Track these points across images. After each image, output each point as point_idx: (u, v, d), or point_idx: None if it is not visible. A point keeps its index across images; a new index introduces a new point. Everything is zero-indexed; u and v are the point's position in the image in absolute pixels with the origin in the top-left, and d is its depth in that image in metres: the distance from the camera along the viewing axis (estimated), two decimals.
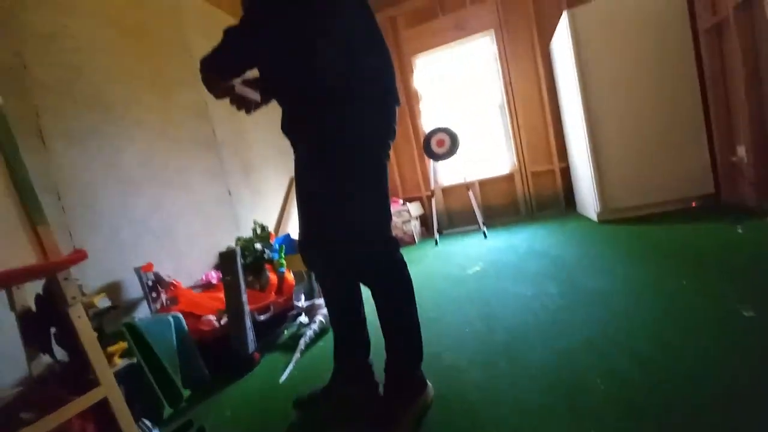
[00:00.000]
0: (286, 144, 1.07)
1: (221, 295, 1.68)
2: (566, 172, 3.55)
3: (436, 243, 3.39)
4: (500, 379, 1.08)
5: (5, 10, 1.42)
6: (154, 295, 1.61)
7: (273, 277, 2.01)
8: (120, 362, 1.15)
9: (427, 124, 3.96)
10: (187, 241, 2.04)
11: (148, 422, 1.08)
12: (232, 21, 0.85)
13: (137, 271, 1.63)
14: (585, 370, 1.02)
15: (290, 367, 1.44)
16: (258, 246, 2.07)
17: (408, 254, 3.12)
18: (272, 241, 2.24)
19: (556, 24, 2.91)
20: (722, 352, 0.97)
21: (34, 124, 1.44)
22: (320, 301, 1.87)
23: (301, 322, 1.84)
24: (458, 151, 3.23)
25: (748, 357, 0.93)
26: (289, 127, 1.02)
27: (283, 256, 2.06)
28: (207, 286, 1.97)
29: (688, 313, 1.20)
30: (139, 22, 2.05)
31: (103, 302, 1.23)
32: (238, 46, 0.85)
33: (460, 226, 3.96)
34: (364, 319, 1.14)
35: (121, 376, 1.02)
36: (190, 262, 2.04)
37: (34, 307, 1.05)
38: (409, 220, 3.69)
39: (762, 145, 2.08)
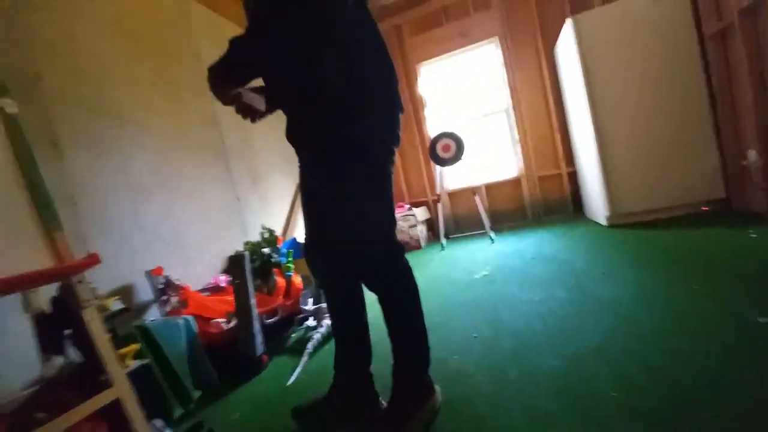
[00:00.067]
0: (291, 151, 1.09)
1: (230, 298, 1.70)
2: (574, 176, 3.53)
3: (443, 247, 3.39)
4: (508, 385, 1.07)
5: (21, 21, 1.47)
6: (164, 298, 1.63)
7: (281, 281, 2.02)
8: (132, 363, 1.17)
9: (432, 130, 3.98)
10: (197, 245, 2.08)
11: (159, 422, 1.09)
12: (239, 30, 0.87)
13: (148, 274, 1.66)
14: (594, 376, 1.01)
15: (298, 370, 1.45)
16: (266, 250, 2.09)
17: (414, 259, 3.12)
18: (279, 245, 2.27)
19: (560, 30, 2.92)
20: (734, 360, 0.96)
21: (49, 132, 1.49)
22: None
23: (308, 326, 1.85)
24: (464, 156, 3.23)
25: (761, 364, 0.92)
26: (293, 135, 1.03)
27: (290, 260, 2.08)
28: (215, 289, 1.99)
29: (699, 320, 1.18)
30: (151, 32, 2.11)
31: (116, 305, 1.26)
32: (243, 55, 0.87)
33: (467, 230, 3.95)
34: (366, 324, 1.12)
35: (133, 377, 1.04)
36: (199, 266, 2.07)
37: (49, 309, 1.08)
38: (416, 225, 3.69)
39: None
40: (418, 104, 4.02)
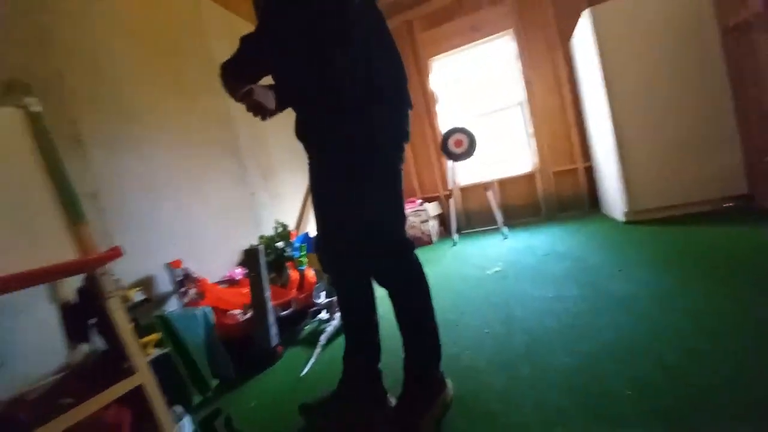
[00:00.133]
0: (303, 148, 1.10)
1: (245, 290, 1.74)
2: (590, 172, 3.46)
3: (455, 243, 3.38)
4: (520, 381, 1.08)
5: (44, 25, 1.52)
6: (183, 289, 1.68)
7: (294, 275, 2.06)
8: (153, 352, 1.22)
9: (444, 125, 3.95)
10: (213, 239, 2.13)
11: (179, 408, 1.13)
12: (251, 28, 0.89)
13: (167, 267, 1.71)
14: (608, 374, 1.00)
15: (311, 362, 1.48)
16: (279, 244, 2.13)
17: (426, 254, 3.13)
18: (293, 239, 2.30)
19: (576, 22, 2.85)
20: (753, 360, 0.94)
21: (73, 131, 1.54)
22: None
23: (321, 319, 1.88)
24: (476, 151, 3.21)
25: None
26: (303, 132, 1.03)
27: (303, 254, 2.11)
28: (231, 282, 2.04)
29: (717, 319, 1.16)
30: (166, 33, 2.15)
31: (137, 296, 1.31)
32: (253, 52, 0.89)
33: (479, 226, 3.93)
34: (376, 321, 1.13)
35: (155, 365, 1.08)
36: (216, 259, 2.12)
37: (75, 300, 1.13)
38: (427, 220, 3.69)
39: None
40: (429, 100, 3.99)
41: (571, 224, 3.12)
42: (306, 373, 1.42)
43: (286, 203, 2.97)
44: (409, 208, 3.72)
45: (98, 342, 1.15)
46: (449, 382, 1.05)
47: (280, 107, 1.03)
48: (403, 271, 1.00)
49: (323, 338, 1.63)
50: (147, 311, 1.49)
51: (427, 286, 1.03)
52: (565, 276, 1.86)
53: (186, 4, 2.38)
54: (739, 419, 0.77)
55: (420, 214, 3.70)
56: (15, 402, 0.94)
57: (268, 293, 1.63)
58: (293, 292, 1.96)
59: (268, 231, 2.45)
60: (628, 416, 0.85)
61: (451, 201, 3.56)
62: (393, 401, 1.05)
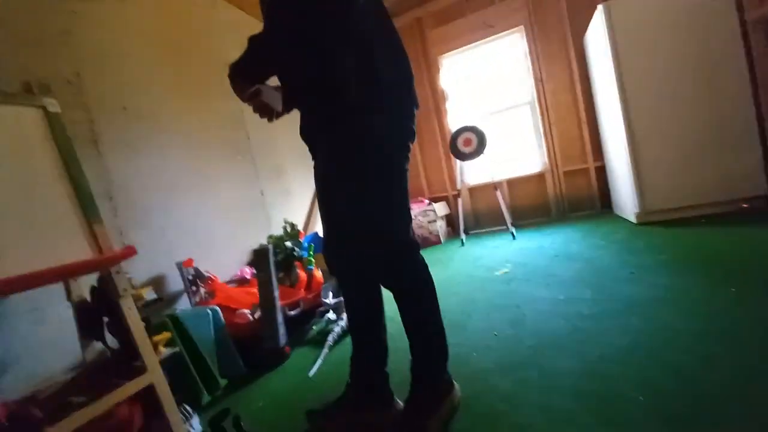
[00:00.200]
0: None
1: (255, 290, 1.75)
2: (602, 171, 3.40)
3: (462, 243, 3.36)
4: (528, 384, 1.06)
5: (63, 28, 1.56)
6: (193, 288, 1.70)
7: (302, 275, 2.07)
8: (164, 351, 1.23)
9: (453, 124, 3.92)
10: (224, 238, 2.15)
11: (188, 408, 1.15)
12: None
13: (179, 265, 1.73)
14: (620, 380, 0.99)
15: (319, 361, 1.49)
16: (288, 244, 2.14)
17: (433, 254, 3.12)
18: (301, 239, 2.31)
19: (590, 18, 2.80)
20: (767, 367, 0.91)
21: (90, 132, 1.58)
22: None
23: (329, 319, 1.89)
24: (485, 150, 3.18)
25: None
26: (308, 132, 1.04)
27: (312, 254, 2.12)
28: (241, 281, 2.06)
29: (731, 324, 1.13)
30: (182, 36, 2.19)
31: (149, 294, 1.33)
32: (260, 52, 0.89)
33: (487, 226, 3.90)
34: (383, 324, 1.11)
35: (165, 364, 1.09)
36: (226, 258, 2.15)
37: (89, 298, 1.15)
38: (435, 220, 3.67)
39: None
40: (439, 98, 3.96)
41: (582, 225, 3.07)
42: (314, 373, 1.42)
43: (297, 201, 2.99)
44: (417, 208, 3.71)
45: (111, 340, 1.17)
46: (456, 385, 1.04)
47: (287, 108, 1.03)
48: (408, 272, 1.00)
49: (331, 339, 1.63)
50: (158, 310, 1.52)
51: (433, 287, 1.02)
52: (575, 278, 1.83)
53: (202, 6, 2.41)
54: (752, 427, 0.74)
55: (428, 214, 3.68)
56: (28, 400, 0.96)
57: (276, 293, 1.64)
58: (301, 292, 1.97)
59: (278, 230, 2.46)
60: (639, 421, 0.83)
61: (460, 201, 3.54)
62: (400, 404, 1.05)
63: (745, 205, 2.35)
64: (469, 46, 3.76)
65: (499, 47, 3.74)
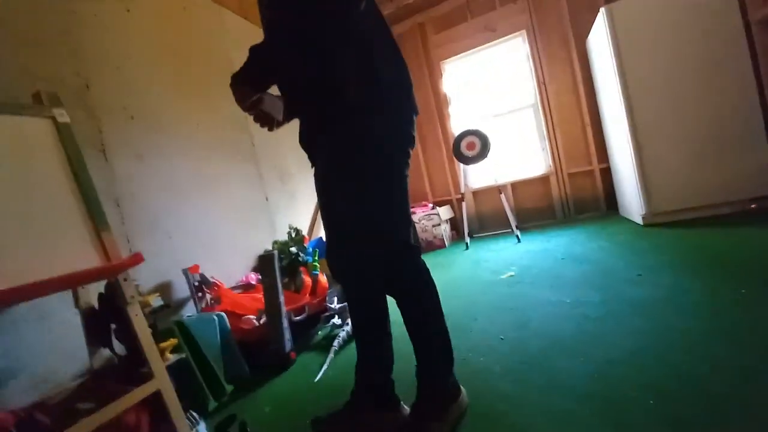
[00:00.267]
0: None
1: (260, 295, 1.76)
2: (607, 173, 3.39)
3: (467, 247, 3.35)
4: (535, 388, 1.05)
5: (72, 37, 1.59)
6: (199, 294, 1.71)
7: (307, 280, 2.07)
8: (171, 357, 1.24)
9: (456, 127, 3.93)
10: (229, 244, 2.17)
11: (195, 414, 1.15)
12: None
13: (185, 272, 1.74)
14: (627, 383, 0.97)
15: (324, 367, 1.49)
16: (293, 249, 2.14)
17: (438, 258, 3.11)
18: (306, 244, 2.32)
19: (592, 20, 2.80)
20: None
21: (98, 139, 1.60)
22: None
23: (334, 324, 1.89)
24: (489, 154, 3.17)
25: None
26: (307, 138, 1.03)
27: (316, 259, 2.12)
28: (247, 286, 2.07)
29: (739, 326, 1.11)
30: (189, 45, 2.23)
31: (156, 301, 1.33)
32: (261, 56, 0.90)
33: (492, 229, 3.88)
34: (388, 330, 1.09)
35: (172, 371, 1.10)
36: (232, 264, 2.16)
37: (96, 305, 1.16)
38: (439, 224, 3.66)
39: None
40: (442, 102, 3.98)
41: (587, 227, 3.05)
42: (319, 378, 1.42)
43: (302, 206, 3.01)
44: (420, 212, 3.71)
45: (118, 347, 1.18)
46: (464, 389, 1.04)
47: (288, 117, 1.04)
48: (408, 272, 1.00)
49: (336, 344, 1.63)
50: (165, 316, 1.52)
51: (435, 289, 1.02)
52: (581, 280, 1.81)
53: (209, 15, 2.45)
54: (756, 429, 0.73)
55: (432, 218, 3.68)
56: (36, 407, 0.96)
57: (282, 299, 1.65)
58: (307, 298, 1.97)
59: (283, 235, 2.47)
60: (644, 423, 0.82)
61: (464, 204, 3.53)
62: (407, 409, 1.04)
63: (752, 206, 2.33)
64: (471, 50, 3.78)
65: (501, 51, 3.75)
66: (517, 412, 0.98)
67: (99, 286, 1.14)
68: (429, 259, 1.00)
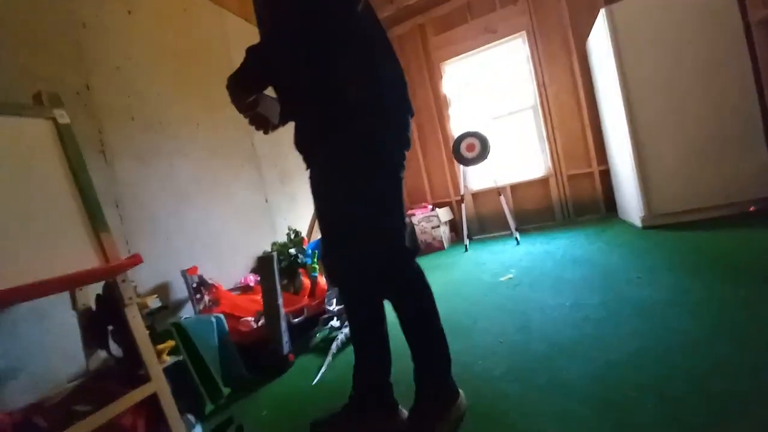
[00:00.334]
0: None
1: (259, 297, 1.75)
2: (606, 175, 3.38)
3: (466, 249, 3.34)
4: (537, 390, 1.05)
5: (73, 40, 1.59)
6: (197, 296, 1.71)
7: (306, 282, 2.07)
8: (168, 359, 1.23)
9: (456, 129, 3.93)
10: (229, 246, 2.16)
11: (191, 417, 1.14)
12: None
13: (183, 273, 1.74)
14: (628, 384, 0.97)
15: (323, 369, 1.48)
16: (292, 251, 2.14)
17: (437, 260, 3.10)
18: (305, 246, 2.31)
19: (591, 20, 2.81)
20: None
21: (98, 141, 1.60)
22: None
23: (332, 326, 1.88)
24: (489, 155, 3.17)
25: None
26: (302, 141, 1.03)
27: (315, 261, 2.12)
28: (245, 288, 2.06)
29: (741, 328, 1.11)
30: (190, 47, 2.22)
31: (154, 303, 1.33)
32: (262, 61, 0.90)
33: (491, 231, 3.88)
34: (385, 333, 1.08)
35: (168, 373, 1.09)
36: (232, 265, 2.15)
37: (94, 306, 1.16)
38: (438, 226, 3.66)
39: None
40: (441, 104, 3.98)
41: (587, 229, 3.05)
42: (317, 381, 1.42)
43: (301, 209, 3.00)
44: (420, 214, 3.70)
45: (115, 349, 1.17)
46: (461, 392, 1.03)
47: (284, 120, 1.03)
48: (402, 279, 0.99)
49: (334, 346, 1.62)
50: (163, 318, 1.52)
51: (430, 292, 1.01)
52: (581, 282, 1.81)
53: (210, 17, 2.45)
54: (762, 430, 0.73)
55: (431, 220, 3.68)
56: (32, 408, 0.96)
57: (280, 301, 1.64)
58: (305, 300, 1.96)
59: (283, 237, 2.47)
60: (648, 426, 0.82)
61: (463, 206, 3.53)
62: (405, 413, 1.04)
63: (752, 208, 2.32)
64: (471, 52, 3.78)
65: (501, 53, 3.76)
66: (518, 412, 0.97)
67: (96, 288, 1.14)
68: (428, 261, 0.99)
